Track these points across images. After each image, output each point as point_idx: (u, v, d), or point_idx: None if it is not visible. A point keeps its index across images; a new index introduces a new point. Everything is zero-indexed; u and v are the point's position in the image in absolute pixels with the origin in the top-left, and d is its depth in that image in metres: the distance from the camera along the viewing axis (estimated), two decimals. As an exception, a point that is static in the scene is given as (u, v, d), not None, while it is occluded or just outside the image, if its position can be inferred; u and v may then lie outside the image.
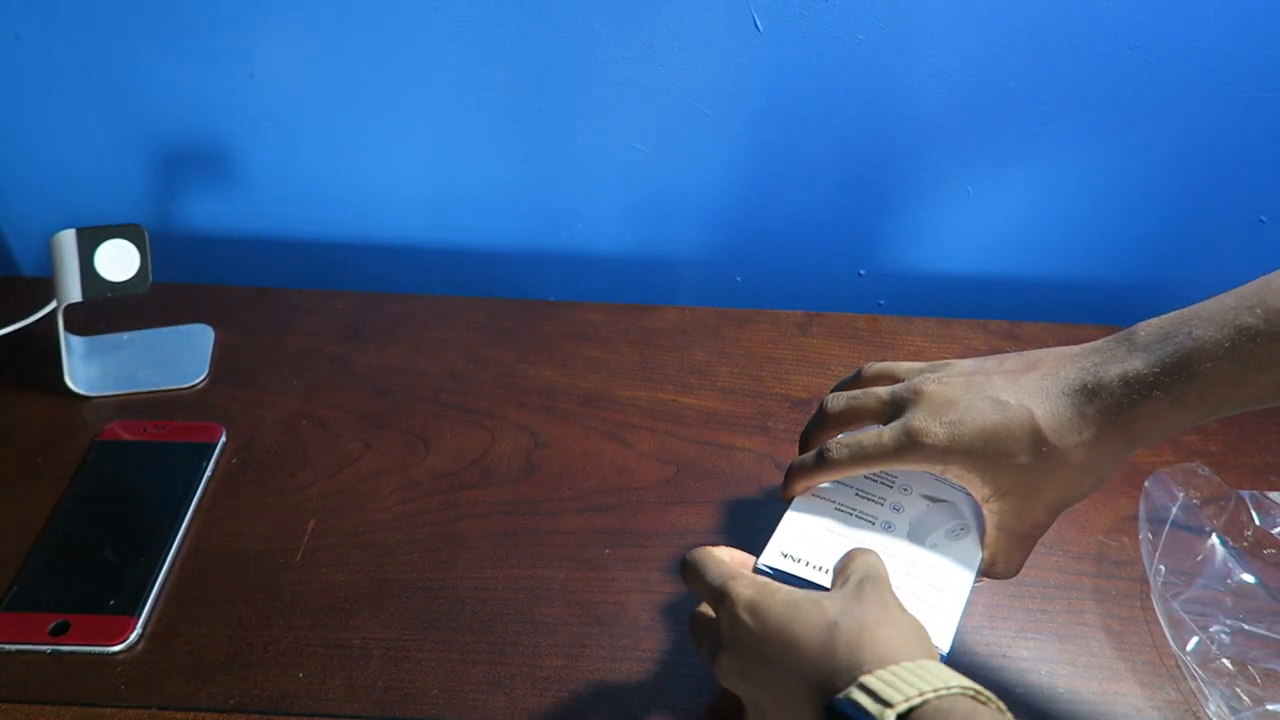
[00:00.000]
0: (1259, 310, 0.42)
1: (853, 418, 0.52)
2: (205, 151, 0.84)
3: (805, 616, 0.41)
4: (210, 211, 0.88)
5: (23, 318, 0.79)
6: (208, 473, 0.67)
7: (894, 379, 0.52)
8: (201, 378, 0.75)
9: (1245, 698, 0.55)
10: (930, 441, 0.47)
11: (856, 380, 0.55)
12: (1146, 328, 0.45)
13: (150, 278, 0.70)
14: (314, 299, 0.84)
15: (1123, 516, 0.66)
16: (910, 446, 0.47)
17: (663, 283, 0.91)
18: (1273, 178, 0.80)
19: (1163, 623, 0.59)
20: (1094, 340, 0.47)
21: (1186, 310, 0.45)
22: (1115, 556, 0.64)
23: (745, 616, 0.43)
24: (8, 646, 0.57)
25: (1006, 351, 0.78)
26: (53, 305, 0.71)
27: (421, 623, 0.59)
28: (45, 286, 0.75)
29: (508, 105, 0.80)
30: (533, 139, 0.82)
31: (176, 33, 0.76)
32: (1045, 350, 0.49)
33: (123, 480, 0.67)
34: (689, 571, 0.48)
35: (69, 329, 0.73)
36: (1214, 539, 0.63)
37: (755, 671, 0.43)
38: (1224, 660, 0.57)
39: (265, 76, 0.79)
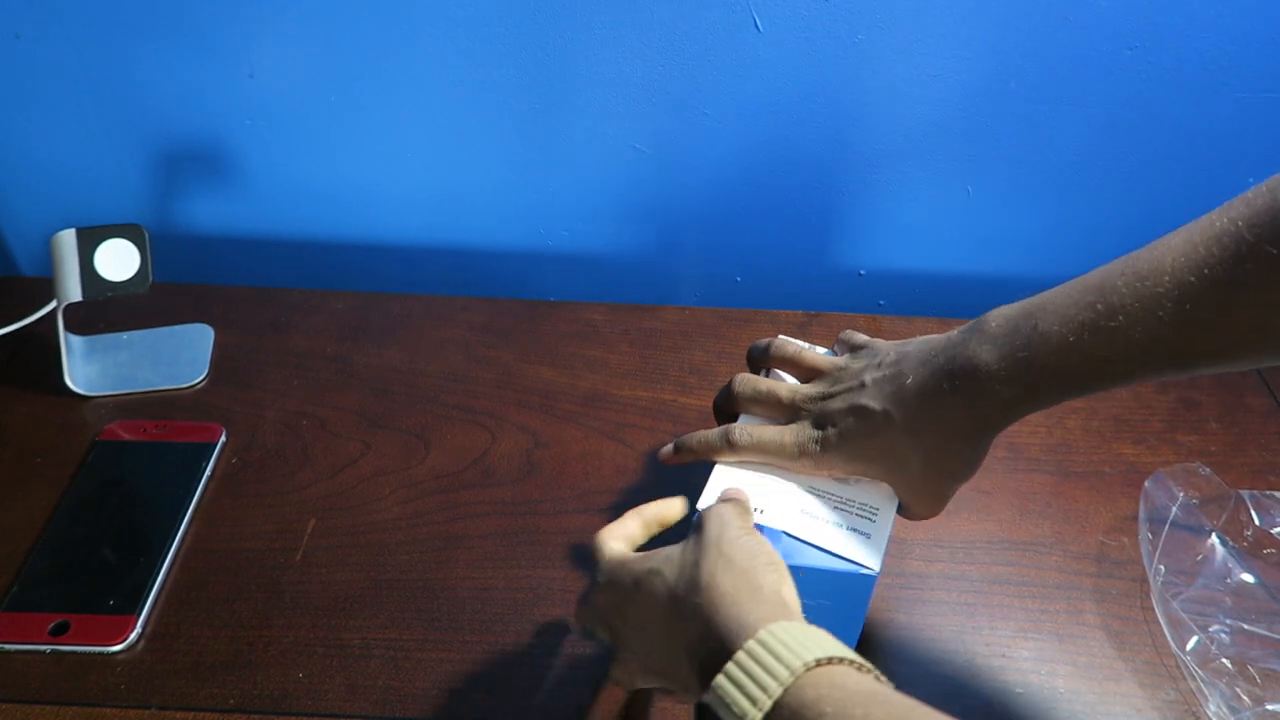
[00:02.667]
0: (1099, 306, 0.42)
1: (756, 404, 0.55)
2: (205, 151, 0.84)
3: (650, 590, 0.43)
4: (210, 211, 0.88)
5: (23, 318, 0.79)
6: (208, 473, 0.67)
7: (801, 368, 0.56)
8: (201, 378, 0.75)
9: (1245, 698, 0.55)
10: (818, 457, 0.51)
11: (766, 357, 0.58)
12: (996, 318, 0.46)
13: (150, 278, 0.70)
14: (314, 299, 0.84)
15: (1123, 516, 0.66)
16: (802, 456, 0.51)
17: (663, 283, 0.91)
18: (1273, 178, 0.80)
19: (1163, 623, 0.59)
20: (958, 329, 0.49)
21: (1033, 300, 0.46)
22: (1115, 556, 0.64)
23: (604, 584, 0.46)
24: (8, 646, 0.57)
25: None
26: (53, 305, 0.71)
27: (421, 623, 0.59)
28: (45, 286, 0.75)
29: (508, 105, 0.80)
30: (533, 139, 0.82)
31: (176, 33, 0.76)
32: (910, 342, 0.51)
33: (123, 480, 0.67)
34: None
35: (69, 329, 0.73)
36: (1214, 539, 0.63)
37: (624, 643, 0.46)
38: (1224, 660, 0.57)
39: (265, 76, 0.79)
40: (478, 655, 0.58)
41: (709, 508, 0.46)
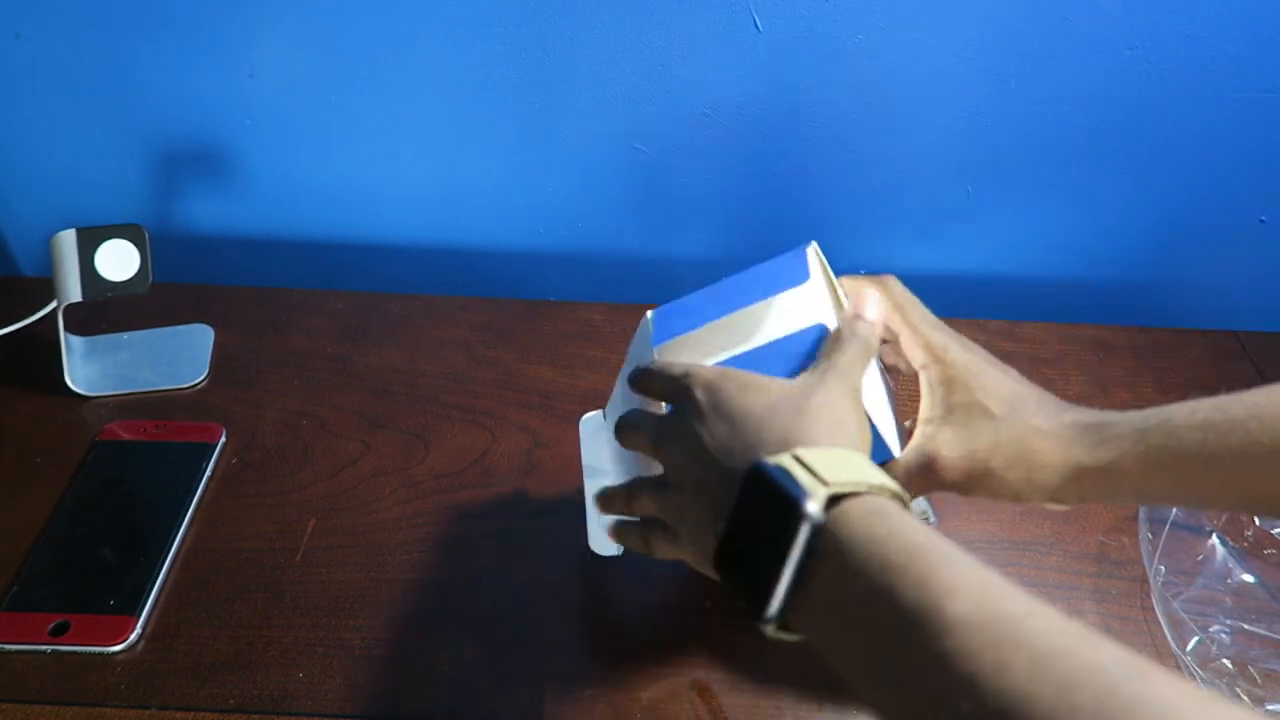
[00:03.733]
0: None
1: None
2: (205, 151, 0.84)
3: (752, 395, 0.43)
4: (210, 211, 0.88)
5: (23, 318, 0.79)
6: (208, 473, 0.67)
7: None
8: (201, 378, 0.75)
9: (1245, 698, 0.55)
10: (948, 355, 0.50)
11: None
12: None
13: (150, 278, 0.70)
14: (314, 299, 0.84)
15: (1123, 516, 0.66)
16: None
17: (663, 283, 0.91)
18: (1273, 178, 0.80)
19: (1163, 623, 0.59)
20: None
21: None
22: (1115, 556, 0.64)
23: (701, 395, 0.44)
24: (8, 646, 0.57)
25: (1006, 351, 0.78)
26: (53, 305, 0.71)
27: (421, 623, 0.59)
28: (45, 286, 0.75)
29: (508, 105, 0.80)
30: (533, 139, 0.82)
31: (176, 33, 0.76)
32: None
33: (123, 480, 0.67)
34: (647, 374, 0.49)
35: (69, 329, 0.73)
36: (1214, 539, 0.63)
37: (694, 455, 0.43)
38: (1224, 660, 0.57)
39: (265, 76, 0.79)
40: (478, 655, 0.58)
41: (849, 335, 0.46)
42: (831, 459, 0.38)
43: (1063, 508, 0.48)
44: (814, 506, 0.36)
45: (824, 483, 0.36)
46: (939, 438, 0.49)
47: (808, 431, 0.41)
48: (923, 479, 0.49)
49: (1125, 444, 0.45)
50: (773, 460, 0.38)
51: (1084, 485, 0.46)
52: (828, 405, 0.42)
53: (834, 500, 0.36)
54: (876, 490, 0.37)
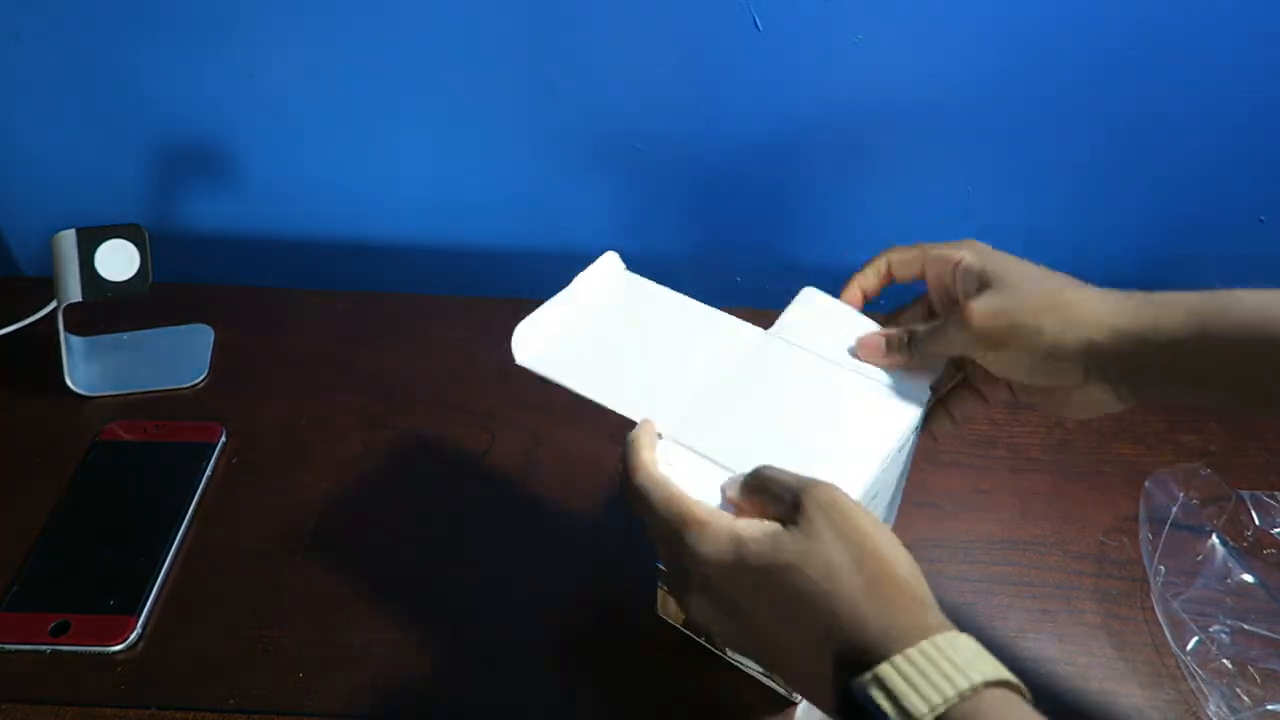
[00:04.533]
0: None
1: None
2: (205, 151, 0.84)
3: (778, 583, 0.39)
4: (210, 211, 0.88)
5: (23, 318, 0.79)
6: (208, 473, 0.67)
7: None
8: (201, 378, 0.75)
9: (1245, 698, 0.55)
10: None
11: None
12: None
13: (150, 278, 0.70)
14: (314, 299, 0.84)
15: (1123, 516, 0.66)
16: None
17: (663, 283, 0.91)
18: (1273, 178, 0.80)
19: (1163, 623, 0.59)
20: None
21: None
22: (1115, 556, 0.64)
23: (717, 578, 0.41)
24: (8, 646, 0.57)
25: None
26: (53, 305, 0.71)
27: (421, 623, 0.59)
28: (45, 286, 0.75)
29: (508, 105, 0.80)
30: (533, 138, 0.82)
31: (176, 33, 0.76)
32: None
33: (123, 480, 0.67)
34: (635, 498, 0.45)
35: (69, 329, 0.73)
36: (1214, 539, 0.63)
37: (740, 618, 0.41)
38: (1224, 660, 0.57)
39: (265, 76, 0.79)
40: (478, 655, 0.58)
41: (812, 485, 0.41)
42: (922, 667, 0.35)
43: (1096, 408, 0.46)
44: None
45: (926, 700, 0.34)
46: (969, 302, 0.47)
47: (879, 620, 0.37)
48: (945, 336, 0.48)
49: (1176, 310, 0.42)
50: (859, 685, 0.36)
51: (1123, 352, 0.43)
52: (881, 571, 0.39)
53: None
54: (967, 692, 0.35)
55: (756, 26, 0.74)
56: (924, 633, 0.37)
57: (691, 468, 0.47)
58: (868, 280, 0.55)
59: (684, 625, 0.58)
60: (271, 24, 0.76)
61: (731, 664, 0.56)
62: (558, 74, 0.77)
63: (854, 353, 0.53)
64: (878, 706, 0.35)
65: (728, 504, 0.45)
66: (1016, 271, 0.47)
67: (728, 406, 0.50)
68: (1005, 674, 0.36)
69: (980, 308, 0.46)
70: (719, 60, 0.76)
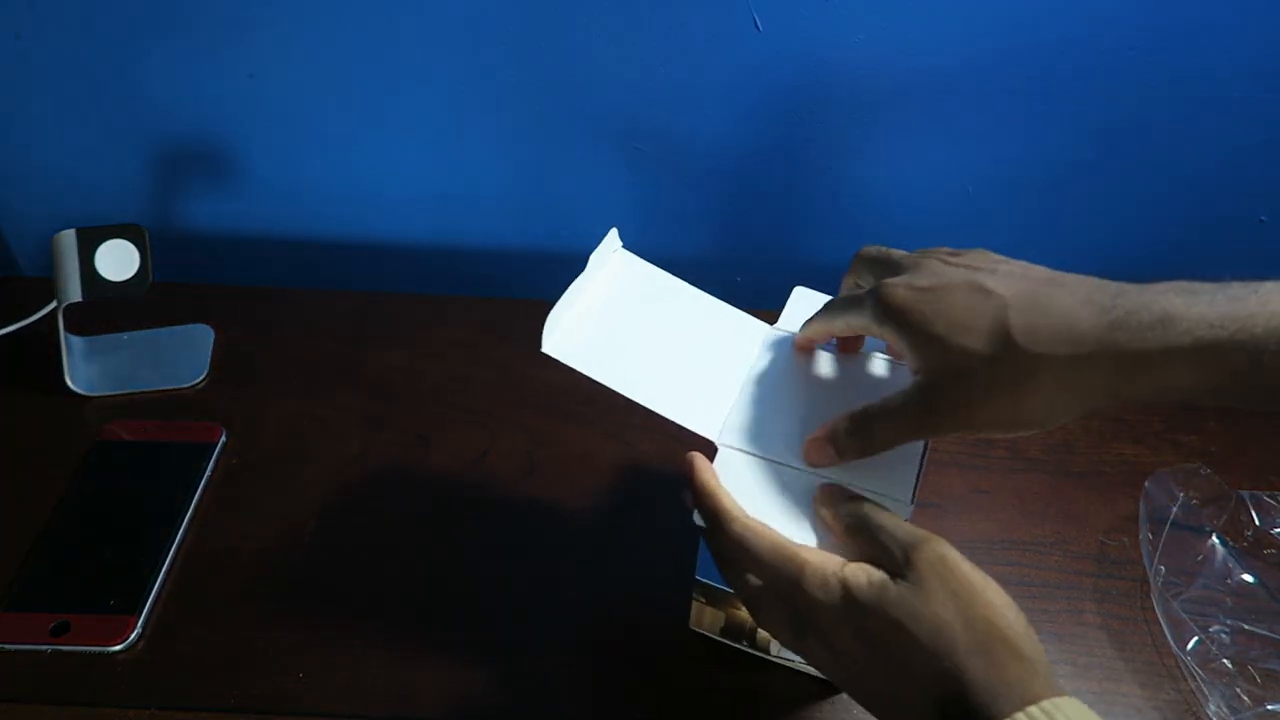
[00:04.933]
0: None
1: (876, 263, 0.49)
2: (205, 151, 0.84)
3: (885, 639, 0.40)
4: (210, 211, 0.88)
5: (23, 318, 0.79)
6: (208, 473, 0.67)
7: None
8: (201, 378, 0.75)
9: (1245, 698, 0.55)
10: (890, 297, 0.44)
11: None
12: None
13: (150, 278, 0.70)
14: (314, 299, 0.84)
15: (1123, 516, 0.66)
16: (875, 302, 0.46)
17: (663, 283, 0.91)
18: (1273, 178, 0.80)
19: (1163, 623, 0.59)
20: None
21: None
22: (1115, 556, 0.64)
23: (828, 627, 0.41)
24: (8, 646, 0.57)
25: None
26: (53, 305, 0.71)
27: (421, 623, 0.59)
28: (45, 286, 0.75)
29: (508, 105, 0.80)
30: (533, 138, 0.82)
31: (176, 33, 0.76)
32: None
33: (123, 480, 0.67)
34: (736, 548, 0.44)
35: (69, 329, 0.73)
36: (1214, 539, 0.63)
37: (854, 663, 0.41)
38: (1224, 660, 0.57)
39: (265, 76, 0.79)
40: (478, 655, 0.58)
41: (924, 541, 0.41)
42: None
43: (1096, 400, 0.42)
44: None
45: None
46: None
47: (989, 682, 0.37)
48: (860, 314, 0.47)
49: (1158, 290, 0.43)
50: None
51: (1112, 324, 0.41)
52: (992, 629, 0.39)
53: None
54: None
55: (756, 26, 0.74)
56: (1032, 697, 0.37)
57: (757, 472, 0.48)
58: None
59: (721, 634, 0.58)
60: (272, 24, 0.76)
61: (775, 661, 0.57)
62: (558, 74, 0.77)
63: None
64: None
65: (822, 529, 0.45)
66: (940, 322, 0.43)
67: (765, 403, 0.51)
68: None
69: (896, 282, 0.45)
70: (719, 60, 0.76)
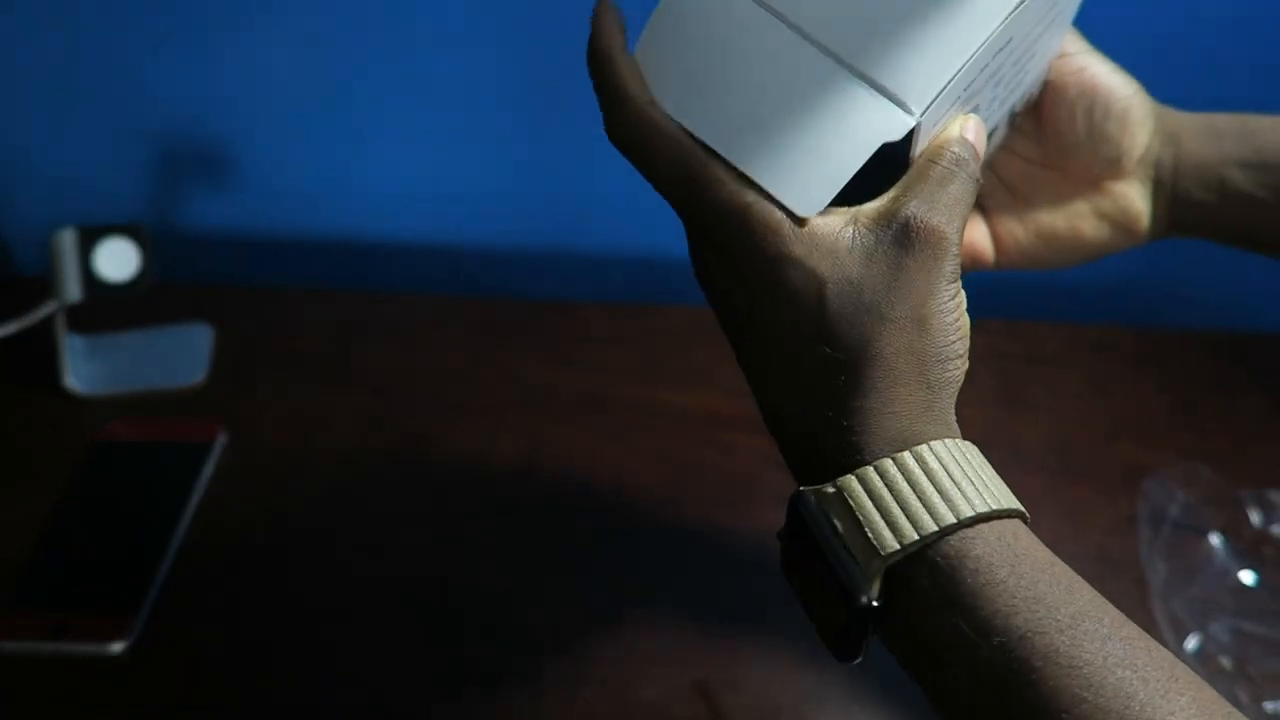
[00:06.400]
0: None
1: None
2: (205, 151, 0.84)
3: (793, 289, 0.31)
4: (210, 211, 0.88)
5: (23, 318, 0.79)
6: (208, 473, 0.67)
7: None
8: (201, 377, 0.75)
9: (1245, 698, 0.55)
10: None
11: None
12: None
13: (150, 278, 0.70)
14: (314, 299, 0.84)
15: (1123, 516, 0.66)
16: None
17: (663, 282, 0.91)
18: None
19: (1163, 623, 0.59)
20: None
21: None
22: (1115, 556, 0.64)
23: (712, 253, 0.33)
24: (7, 646, 0.57)
25: (1006, 350, 0.78)
26: (53, 305, 0.71)
27: (420, 623, 0.59)
28: (45, 286, 0.75)
29: (508, 105, 0.80)
30: (533, 138, 0.82)
31: (176, 33, 0.76)
32: None
33: (122, 479, 0.67)
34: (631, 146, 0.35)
35: (69, 329, 0.73)
36: (1214, 539, 0.63)
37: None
38: (1224, 660, 0.57)
39: (265, 76, 0.79)
40: (478, 655, 0.58)
41: (924, 224, 0.30)
42: (900, 490, 0.28)
43: (1112, 234, 0.44)
44: (867, 600, 0.28)
45: (882, 553, 0.27)
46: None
47: (866, 398, 0.29)
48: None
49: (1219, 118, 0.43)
50: (814, 497, 0.29)
51: (1166, 138, 0.43)
52: (903, 336, 0.29)
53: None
54: (964, 524, 0.27)
55: (756, 26, 0.74)
56: (913, 436, 0.29)
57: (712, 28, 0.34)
58: None
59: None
60: (272, 24, 0.76)
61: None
62: (558, 74, 0.77)
63: None
64: (832, 524, 0.28)
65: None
66: None
67: None
68: (1013, 502, 0.29)
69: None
70: (719, 60, 0.76)
